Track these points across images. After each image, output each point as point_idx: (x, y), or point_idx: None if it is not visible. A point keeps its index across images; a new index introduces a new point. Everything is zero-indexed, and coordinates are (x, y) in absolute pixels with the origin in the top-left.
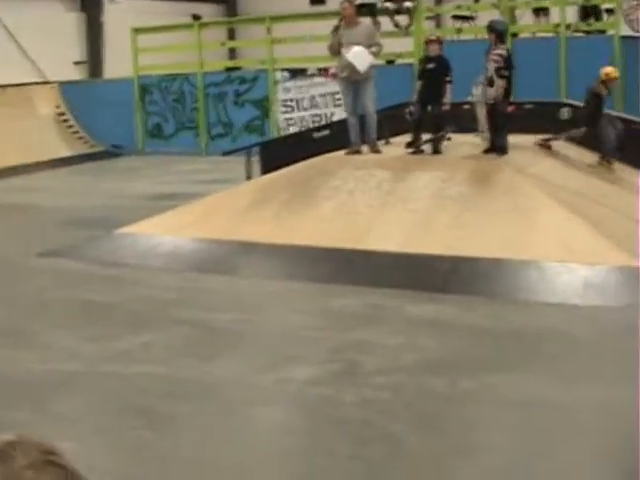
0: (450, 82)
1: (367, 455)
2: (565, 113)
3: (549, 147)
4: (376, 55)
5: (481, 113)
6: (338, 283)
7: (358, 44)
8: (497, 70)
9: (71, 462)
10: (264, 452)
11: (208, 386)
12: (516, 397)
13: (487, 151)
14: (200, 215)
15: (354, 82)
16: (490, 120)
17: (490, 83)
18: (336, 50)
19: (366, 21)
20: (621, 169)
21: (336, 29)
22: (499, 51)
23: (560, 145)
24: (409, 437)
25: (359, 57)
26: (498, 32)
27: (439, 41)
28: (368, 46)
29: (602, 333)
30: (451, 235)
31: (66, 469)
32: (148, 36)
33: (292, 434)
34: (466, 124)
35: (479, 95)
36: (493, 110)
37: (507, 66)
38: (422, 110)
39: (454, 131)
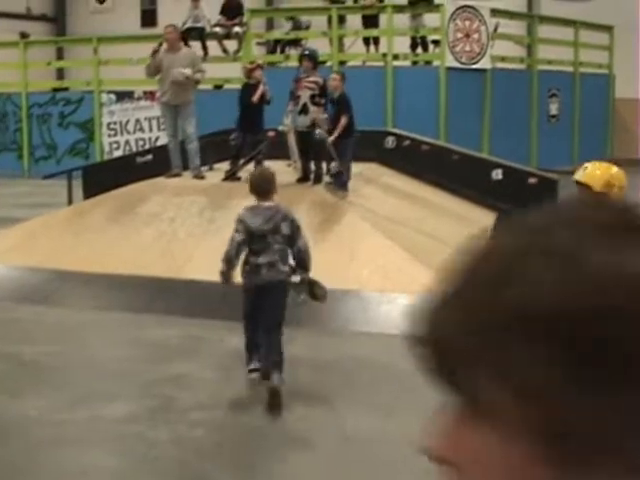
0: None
1: None
2: (390, 142)
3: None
4: (200, 81)
5: (292, 142)
6: (156, 313)
7: (182, 68)
8: (312, 97)
9: None
10: None
11: (16, 424)
12: (334, 431)
13: (300, 180)
14: (17, 241)
15: (174, 106)
16: (302, 148)
17: (304, 111)
18: (153, 73)
19: (187, 48)
20: (434, 192)
21: (154, 52)
22: (315, 78)
23: (377, 171)
24: (222, 476)
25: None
26: (315, 60)
27: (260, 67)
28: (192, 72)
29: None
30: None
31: None
32: None
33: (104, 474)
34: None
35: (289, 124)
36: (307, 138)
37: (322, 94)
38: (242, 137)
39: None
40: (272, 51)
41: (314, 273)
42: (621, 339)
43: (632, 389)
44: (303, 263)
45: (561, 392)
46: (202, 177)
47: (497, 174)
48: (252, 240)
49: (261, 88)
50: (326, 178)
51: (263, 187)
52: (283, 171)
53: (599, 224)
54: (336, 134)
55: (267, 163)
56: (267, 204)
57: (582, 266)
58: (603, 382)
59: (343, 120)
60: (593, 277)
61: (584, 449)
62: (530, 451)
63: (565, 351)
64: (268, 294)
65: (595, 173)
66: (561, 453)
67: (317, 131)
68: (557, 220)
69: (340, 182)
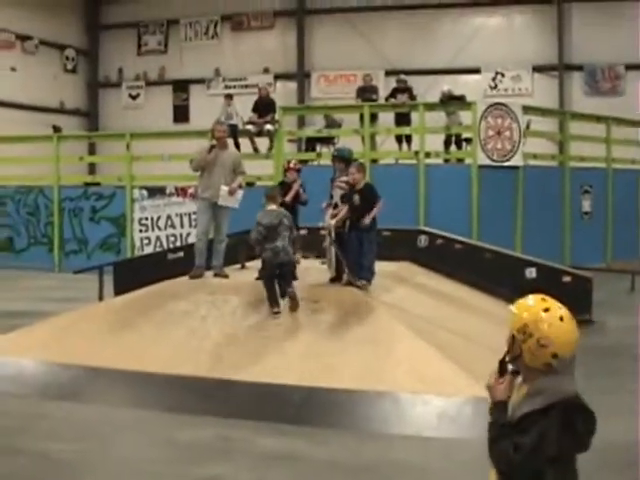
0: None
1: None
2: (423, 240)
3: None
4: (242, 182)
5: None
6: (188, 413)
7: (227, 167)
8: (342, 197)
9: None
10: None
11: None
12: None
13: (333, 279)
14: (48, 336)
15: (214, 204)
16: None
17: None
18: (201, 167)
19: (232, 147)
20: (467, 291)
21: (212, 147)
22: (346, 178)
23: (410, 270)
24: None
25: (228, 197)
26: (347, 160)
27: (296, 168)
28: (234, 172)
29: (455, 465)
30: (305, 364)
31: None
32: (5, 145)
33: None
34: (319, 250)
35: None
36: (339, 238)
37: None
38: None
39: (305, 257)
40: (305, 149)
41: (348, 374)
42: None
43: None
44: (297, 244)
45: None
46: (225, 276)
47: (531, 272)
48: (268, 231)
49: (295, 188)
50: (344, 277)
51: (269, 196)
52: (317, 269)
53: None
54: (370, 217)
55: (302, 261)
56: (270, 207)
57: None
58: None
59: (376, 209)
60: None
61: None
62: None
63: None
64: (286, 266)
65: (528, 307)
66: None
67: (326, 241)
68: None
69: (363, 277)
